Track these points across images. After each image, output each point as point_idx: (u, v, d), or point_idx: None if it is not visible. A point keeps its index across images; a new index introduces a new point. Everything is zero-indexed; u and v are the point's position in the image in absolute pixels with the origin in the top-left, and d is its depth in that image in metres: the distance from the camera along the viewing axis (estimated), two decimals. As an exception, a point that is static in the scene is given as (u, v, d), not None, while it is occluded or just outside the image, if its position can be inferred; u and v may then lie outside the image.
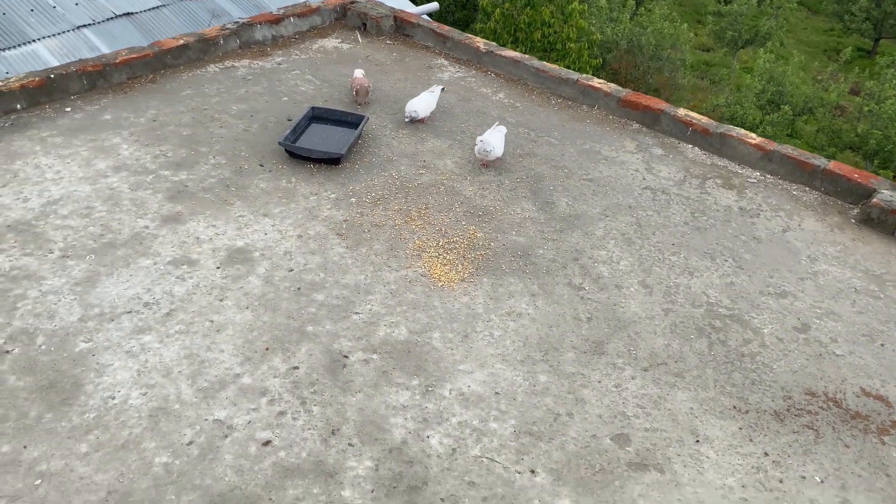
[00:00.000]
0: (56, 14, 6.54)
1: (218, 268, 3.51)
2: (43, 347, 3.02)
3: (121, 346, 3.05)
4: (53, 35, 6.37)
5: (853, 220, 4.24)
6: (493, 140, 4.38)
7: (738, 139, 4.73)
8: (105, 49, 6.33)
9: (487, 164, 4.49)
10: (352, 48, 5.98)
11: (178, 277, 3.43)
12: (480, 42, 5.88)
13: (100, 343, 3.05)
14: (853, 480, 2.72)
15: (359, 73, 5.12)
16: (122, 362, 2.98)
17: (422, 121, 4.90)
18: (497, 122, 4.70)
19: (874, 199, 4.18)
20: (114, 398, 2.83)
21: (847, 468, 2.77)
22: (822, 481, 2.72)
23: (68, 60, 5.97)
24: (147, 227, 3.73)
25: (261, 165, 4.33)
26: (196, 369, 2.98)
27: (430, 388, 2.99)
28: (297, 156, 4.40)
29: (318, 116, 4.73)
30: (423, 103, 4.84)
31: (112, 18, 6.72)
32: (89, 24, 6.58)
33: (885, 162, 16.47)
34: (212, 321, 3.21)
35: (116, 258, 3.51)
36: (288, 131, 4.44)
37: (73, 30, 6.48)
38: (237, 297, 3.35)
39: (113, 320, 3.17)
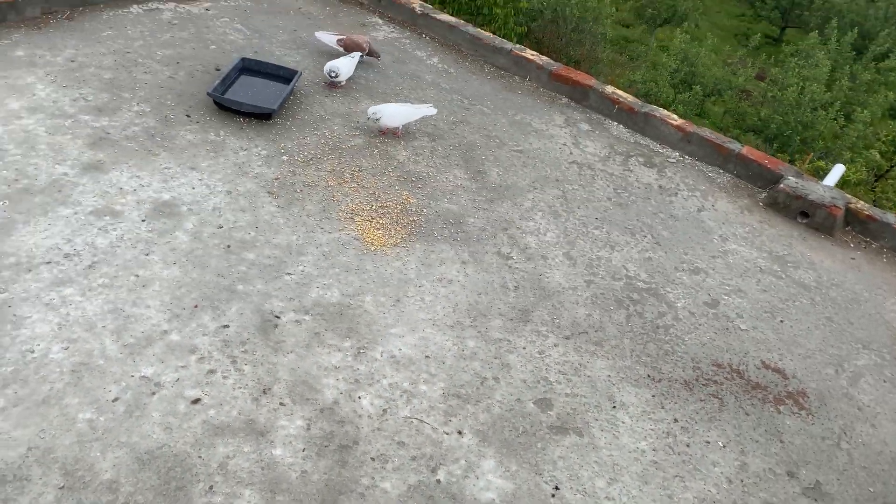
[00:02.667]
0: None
1: (143, 220, 3.40)
2: (-47, 297, 2.87)
3: (39, 297, 2.93)
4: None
5: (761, 203, 4.52)
6: (343, 66, 4.64)
7: (661, 119, 4.92)
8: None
9: (386, 133, 4.40)
10: (283, -2, 5.81)
11: (100, 229, 3.31)
12: (416, 3, 5.82)
13: (16, 294, 2.92)
14: (751, 446, 2.97)
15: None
16: (42, 315, 2.87)
17: (340, 85, 4.79)
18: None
19: (781, 185, 4.46)
20: (33, 352, 2.73)
21: (746, 434, 3.01)
22: (724, 446, 2.95)
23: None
24: (66, 174, 3.55)
25: (187, 116, 4.18)
26: (121, 324, 2.90)
27: (361, 351, 3.04)
28: (226, 108, 4.27)
29: (248, 68, 4.59)
30: (345, 66, 4.69)
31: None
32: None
33: (783, 146, 17.38)
34: (137, 276, 3.12)
35: (33, 205, 3.34)
36: (217, 81, 4.29)
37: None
38: (164, 252, 3.27)
39: (31, 271, 3.03)
